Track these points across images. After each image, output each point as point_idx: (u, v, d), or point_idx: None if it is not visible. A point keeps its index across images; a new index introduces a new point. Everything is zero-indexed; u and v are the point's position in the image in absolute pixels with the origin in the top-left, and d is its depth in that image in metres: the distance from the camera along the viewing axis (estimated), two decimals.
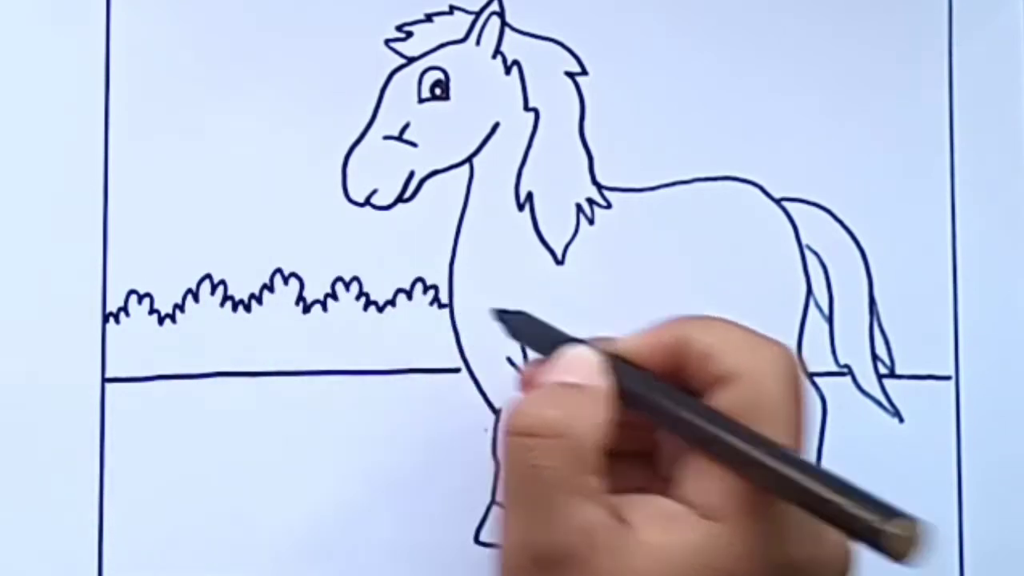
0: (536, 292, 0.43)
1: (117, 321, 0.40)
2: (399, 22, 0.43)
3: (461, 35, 0.43)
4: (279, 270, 0.42)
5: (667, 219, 0.45)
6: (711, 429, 0.33)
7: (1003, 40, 0.49)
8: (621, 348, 0.36)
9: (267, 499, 0.41)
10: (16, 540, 0.39)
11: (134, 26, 0.40)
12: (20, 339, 0.39)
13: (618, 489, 0.34)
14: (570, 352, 0.36)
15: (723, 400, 0.34)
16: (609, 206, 0.45)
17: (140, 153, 0.40)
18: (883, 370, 0.47)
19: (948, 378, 0.47)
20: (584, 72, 0.44)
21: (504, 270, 0.43)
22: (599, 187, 0.44)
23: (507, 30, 0.44)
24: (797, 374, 0.34)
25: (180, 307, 0.41)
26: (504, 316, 0.40)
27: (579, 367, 0.36)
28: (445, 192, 0.43)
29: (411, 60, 0.43)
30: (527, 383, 0.37)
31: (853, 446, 0.46)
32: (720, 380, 0.34)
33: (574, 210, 0.44)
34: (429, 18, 0.43)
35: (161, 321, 0.41)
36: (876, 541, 0.30)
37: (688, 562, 0.32)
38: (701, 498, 0.33)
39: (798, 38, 0.47)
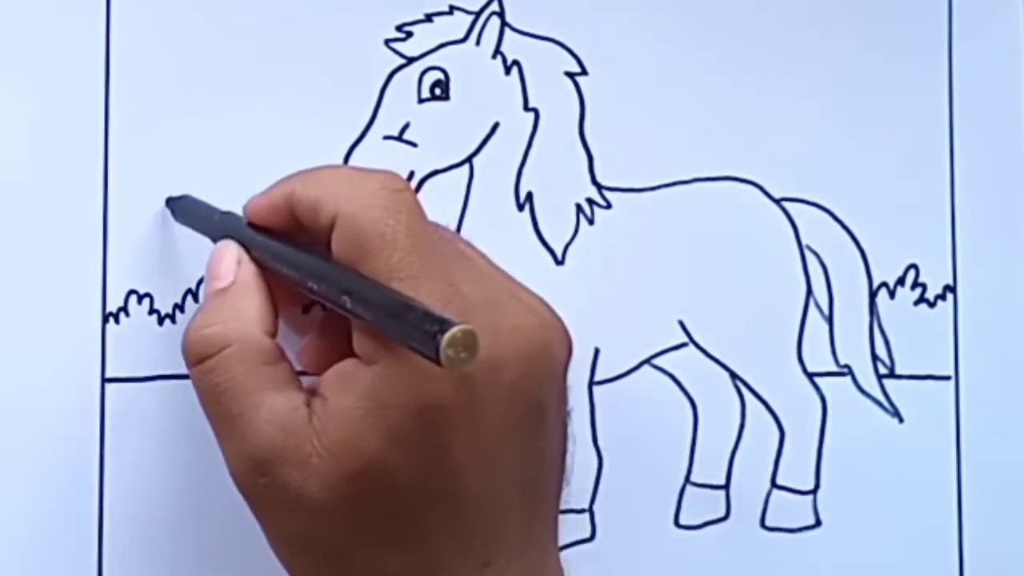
0: (536, 292, 0.43)
1: (117, 321, 0.40)
2: (399, 22, 0.43)
3: (461, 35, 0.43)
4: None
5: (667, 219, 0.45)
6: (308, 280, 0.35)
7: (1003, 40, 0.49)
8: (249, 214, 0.38)
9: None
10: (16, 540, 0.39)
11: (134, 26, 0.40)
12: (20, 339, 0.39)
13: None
14: (213, 255, 0.38)
15: (334, 244, 0.35)
16: (609, 206, 0.45)
17: (140, 153, 0.40)
18: (883, 370, 0.47)
19: (948, 378, 0.47)
20: (584, 72, 0.44)
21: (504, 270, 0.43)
22: (599, 187, 0.44)
23: (507, 30, 0.44)
24: (395, 192, 0.35)
25: (180, 307, 0.41)
26: (171, 202, 0.40)
27: (223, 268, 0.37)
28: (445, 192, 0.43)
29: (411, 60, 0.43)
30: None
31: (853, 446, 0.46)
32: (329, 226, 0.35)
33: (574, 210, 0.44)
34: (429, 18, 0.43)
35: (161, 321, 0.41)
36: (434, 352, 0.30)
37: (365, 408, 0.33)
38: (359, 346, 0.34)
39: (798, 38, 0.47)
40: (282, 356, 0.36)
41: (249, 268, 0.37)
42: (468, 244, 0.40)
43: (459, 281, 0.35)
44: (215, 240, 0.39)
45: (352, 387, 0.34)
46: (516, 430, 0.36)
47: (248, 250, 0.38)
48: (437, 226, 0.37)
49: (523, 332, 0.36)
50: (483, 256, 0.39)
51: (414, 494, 0.34)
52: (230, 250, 0.38)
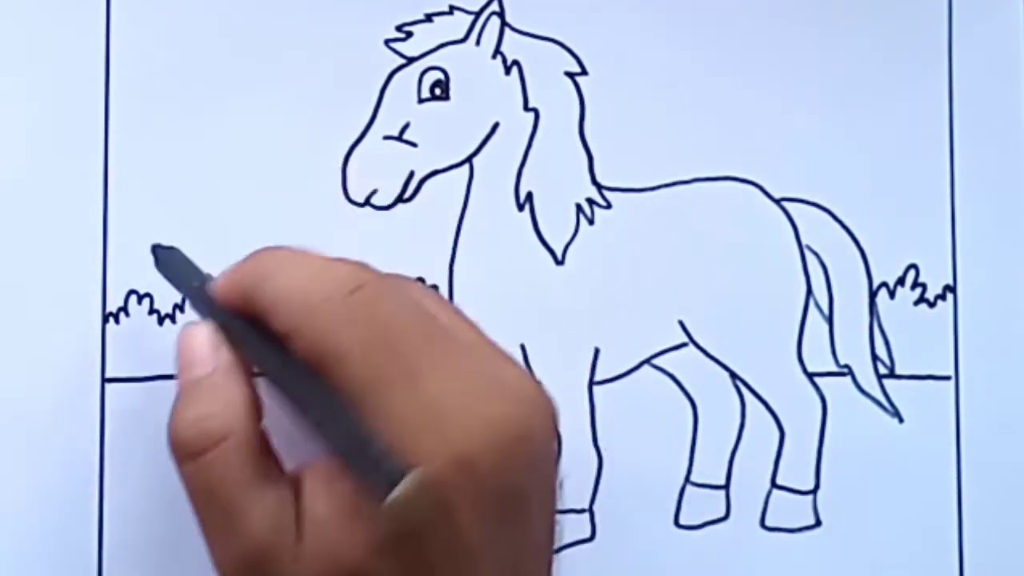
0: (536, 292, 0.43)
1: (117, 321, 0.40)
2: (399, 22, 0.43)
3: (461, 35, 0.43)
4: None
5: (667, 219, 0.45)
6: (283, 388, 0.34)
7: (1003, 40, 0.49)
8: (219, 297, 0.36)
9: None
10: (16, 540, 0.39)
11: (134, 26, 0.40)
12: (20, 339, 0.39)
13: None
14: (182, 341, 0.36)
15: (295, 352, 0.33)
16: (609, 206, 0.45)
17: (140, 152, 0.40)
18: (883, 370, 0.47)
19: (948, 378, 0.47)
20: (584, 72, 0.44)
21: (504, 270, 0.43)
22: (599, 187, 0.44)
23: (507, 30, 0.44)
24: (349, 295, 0.34)
25: (180, 307, 0.41)
26: (157, 250, 0.39)
27: (197, 355, 0.35)
28: (445, 192, 0.43)
29: (411, 60, 0.43)
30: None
31: (853, 446, 0.46)
32: (286, 336, 0.34)
33: (574, 210, 0.44)
34: (429, 18, 0.43)
35: (161, 321, 0.41)
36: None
37: (348, 515, 0.32)
38: None
39: (798, 38, 0.47)
40: (269, 444, 0.35)
41: (227, 352, 0.35)
42: (450, 308, 0.38)
43: (426, 378, 0.33)
44: (190, 301, 0.38)
45: (336, 492, 0.33)
46: (495, 524, 0.34)
47: (224, 328, 0.36)
48: (424, 289, 0.36)
49: (497, 426, 0.33)
50: (465, 322, 0.37)
51: None
52: (203, 334, 0.36)
